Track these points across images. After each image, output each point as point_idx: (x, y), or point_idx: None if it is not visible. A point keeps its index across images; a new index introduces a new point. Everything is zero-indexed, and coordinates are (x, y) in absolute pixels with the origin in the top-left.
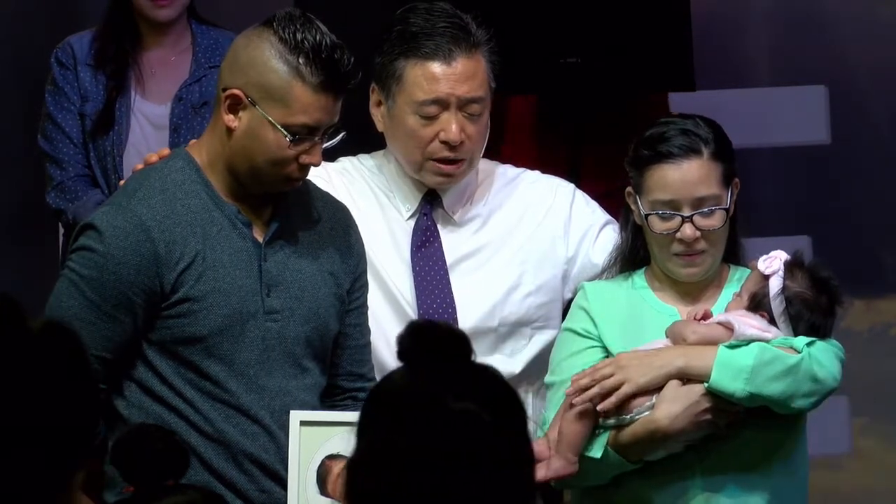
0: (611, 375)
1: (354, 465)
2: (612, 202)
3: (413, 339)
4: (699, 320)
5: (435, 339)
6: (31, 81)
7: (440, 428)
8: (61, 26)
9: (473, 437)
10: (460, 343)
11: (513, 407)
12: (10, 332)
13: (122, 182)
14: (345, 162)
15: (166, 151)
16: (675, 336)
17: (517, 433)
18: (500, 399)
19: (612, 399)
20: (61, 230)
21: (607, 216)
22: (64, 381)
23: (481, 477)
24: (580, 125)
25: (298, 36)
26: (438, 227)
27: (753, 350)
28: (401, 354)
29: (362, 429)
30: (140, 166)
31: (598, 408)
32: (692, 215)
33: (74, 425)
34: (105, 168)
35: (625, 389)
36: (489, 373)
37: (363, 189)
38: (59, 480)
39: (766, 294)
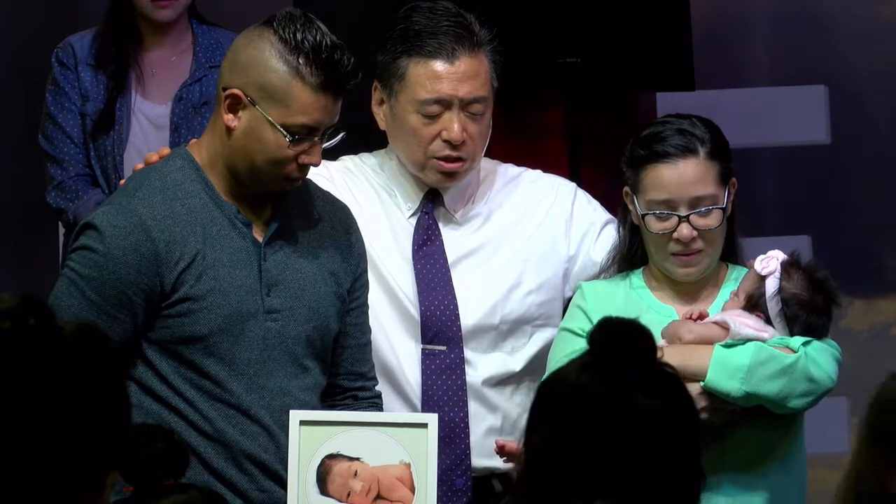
0: None
1: (533, 459)
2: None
3: (605, 336)
4: (695, 320)
5: (625, 336)
6: (32, 81)
7: (631, 424)
8: (61, 26)
9: (659, 432)
10: (646, 340)
11: (690, 405)
12: (43, 334)
13: (122, 181)
14: (346, 160)
15: (166, 151)
16: (671, 336)
17: (694, 431)
18: (681, 397)
19: None
20: (62, 230)
21: (608, 215)
22: (97, 382)
23: (666, 474)
24: (580, 125)
25: (299, 36)
26: (440, 225)
27: (749, 349)
28: (593, 350)
29: (539, 424)
30: (140, 166)
31: None
32: (689, 215)
33: (107, 426)
34: (105, 168)
35: None
36: (669, 372)
37: (365, 187)
38: (92, 481)
39: (763, 294)
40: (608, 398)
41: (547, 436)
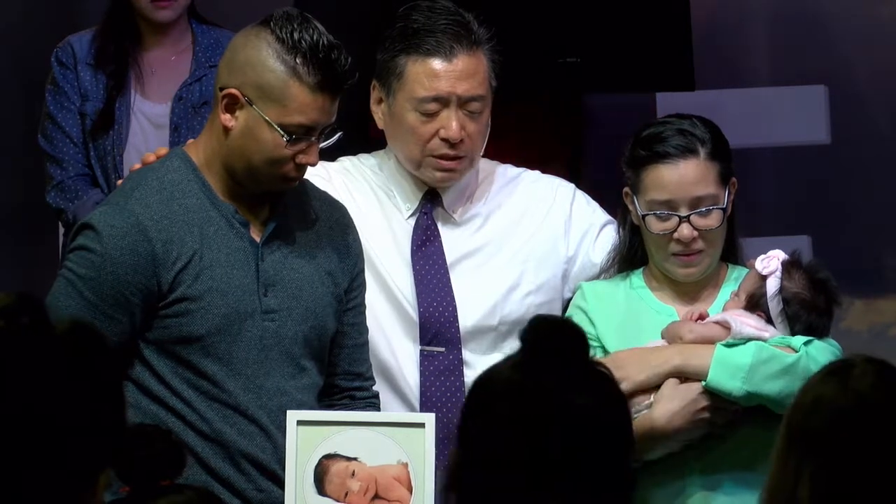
0: None
1: (463, 458)
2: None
3: (536, 335)
4: (695, 321)
5: (557, 335)
6: (32, 81)
7: (563, 423)
8: (61, 26)
9: (590, 432)
10: (580, 340)
11: (623, 407)
12: (37, 333)
13: (119, 182)
14: (345, 161)
15: (164, 151)
16: (672, 336)
17: (626, 428)
18: (613, 398)
19: None
20: (61, 230)
21: (608, 216)
22: (90, 380)
23: (598, 472)
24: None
25: (296, 35)
26: (439, 226)
27: (751, 349)
28: (525, 349)
29: (470, 422)
30: (137, 166)
31: None
32: (689, 215)
33: (100, 425)
34: (105, 167)
35: (622, 388)
36: (602, 371)
37: (363, 188)
38: (85, 480)
39: (764, 294)
40: (539, 396)
41: (480, 432)
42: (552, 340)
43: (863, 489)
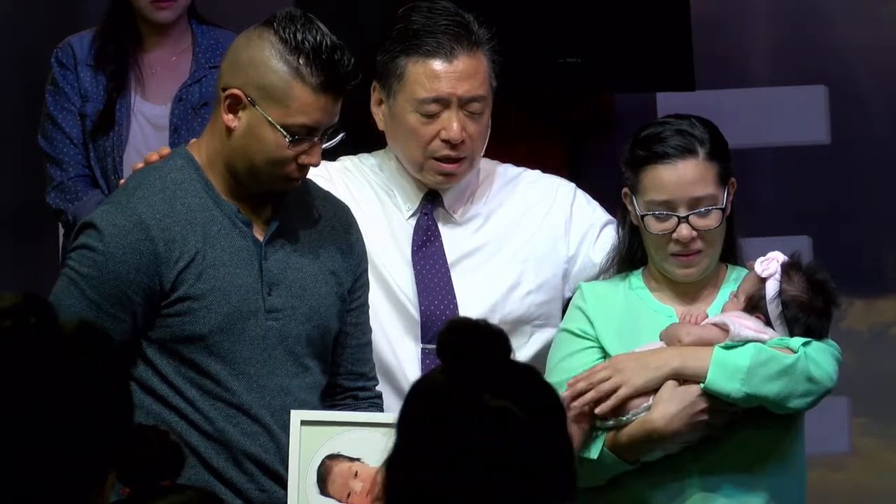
0: (607, 378)
1: (393, 462)
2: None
3: (452, 337)
4: (693, 322)
5: (474, 336)
6: (31, 81)
7: (477, 425)
8: (61, 26)
9: (509, 434)
10: (499, 341)
11: (550, 405)
12: (44, 332)
13: (121, 182)
14: (345, 161)
15: (166, 150)
16: (670, 338)
17: (554, 431)
18: (537, 397)
19: (610, 402)
20: (61, 230)
21: (608, 216)
22: (98, 380)
23: (518, 475)
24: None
25: (299, 36)
26: (439, 226)
27: (749, 350)
28: (440, 352)
29: (401, 425)
30: (140, 165)
31: (596, 411)
32: (688, 215)
33: (108, 425)
34: (105, 168)
35: (622, 392)
36: (528, 371)
37: (364, 188)
38: (92, 480)
39: (763, 296)
40: (456, 399)
41: (409, 438)
42: (467, 342)
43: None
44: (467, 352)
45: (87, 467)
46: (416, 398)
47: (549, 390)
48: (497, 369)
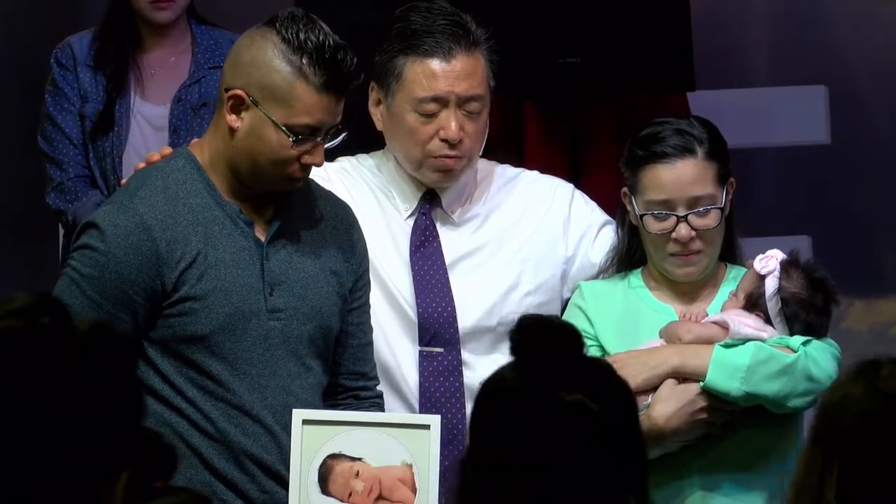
0: None
1: (471, 462)
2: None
3: (523, 334)
4: (693, 321)
5: (545, 333)
6: (31, 82)
7: (553, 421)
8: (61, 26)
9: (586, 429)
10: (570, 336)
11: (623, 398)
12: (57, 332)
13: (122, 182)
14: (344, 162)
15: (168, 150)
16: (670, 336)
17: (627, 424)
18: (610, 390)
19: None
20: (61, 231)
21: (606, 216)
22: (112, 380)
23: (595, 468)
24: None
25: (301, 36)
26: (437, 226)
27: (749, 349)
28: (513, 350)
29: (476, 426)
30: (142, 165)
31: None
32: (687, 215)
33: (121, 424)
34: (104, 169)
35: None
36: (600, 365)
37: (362, 189)
38: (106, 479)
39: (762, 294)
40: (530, 396)
41: (485, 437)
42: (540, 339)
43: (890, 491)
44: (539, 348)
45: (100, 466)
46: (488, 398)
47: (621, 383)
48: (569, 364)
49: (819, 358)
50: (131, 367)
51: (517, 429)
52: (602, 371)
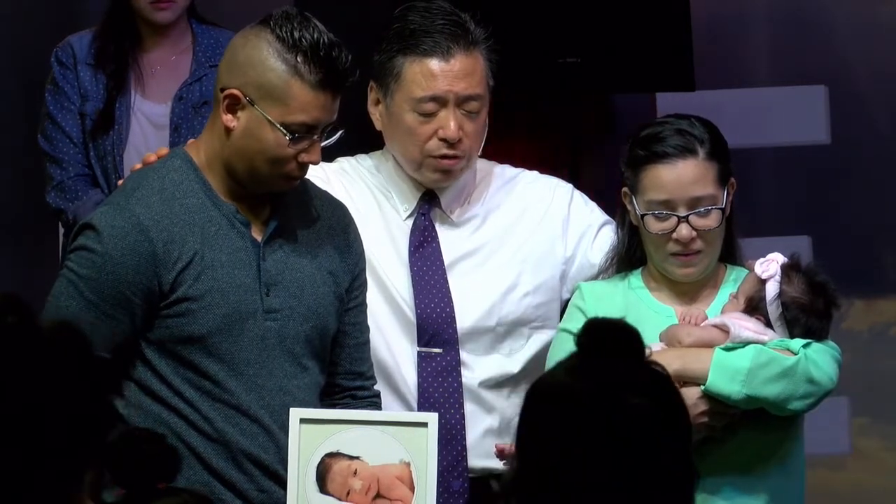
0: None
1: (524, 462)
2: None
3: (593, 337)
4: (693, 324)
5: (611, 336)
6: (32, 81)
7: (620, 423)
8: (61, 26)
9: (649, 431)
10: (636, 341)
11: (681, 407)
12: (22, 332)
13: (120, 182)
14: (342, 162)
15: (165, 151)
16: (671, 339)
17: (683, 433)
18: (671, 395)
19: None
20: (61, 230)
21: (606, 216)
22: (75, 380)
23: (655, 472)
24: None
25: (296, 34)
26: (436, 226)
27: (750, 352)
28: (581, 351)
29: (530, 428)
30: (138, 166)
31: None
32: (688, 215)
33: (84, 426)
34: (105, 168)
35: None
36: (659, 371)
37: (361, 189)
38: (70, 481)
39: (763, 298)
40: (597, 400)
41: (540, 441)
42: (608, 342)
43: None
44: (607, 352)
45: (64, 466)
46: (546, 402)
47: (676, 389)
48: (633, 368)
49: (820, 360)
50: (95, 366)
51: (579, 430)
52: (661, 378)
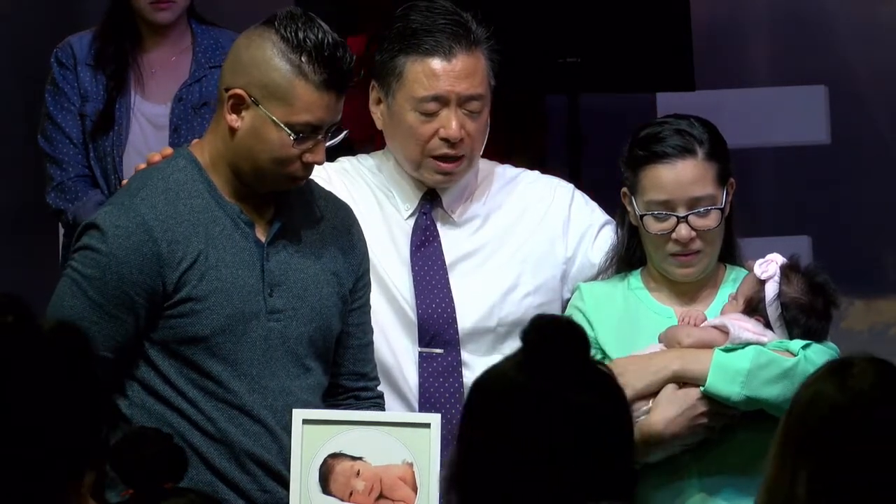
0: None
1: (463, 457)
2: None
3: (538, 334)
4: (692, 325)
5: (558, 335)
6: (31, 81)
7: (562, 420)
8: (61, 26)
9: (592, 429)
10: (582, 340)
11: (624, 406)
12: (21, 333)
13: (124, 182)
14: (344, 162)
15: (169, 151)
16: (670, 340)
17: (625, 431)
18: (614, 394)
19: None
20: (61, 230)
21: (606, 216)
22: (73, 381)
23: (595, 469)
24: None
25: (300, 34)
26: (438, 226)
27: (749, 353)
28: (526, 348)
29: (472, 421)
30: (143, 166)
31: None
32: (687, 215)
33: (83, 426)
34: (105, 168)
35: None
36: (604, 371)
37: (362, 189)
38: (67, 481)
39: (762, 299)
40: (541, 395)
41: (481, 432)
42: (553, 339)
43: (860, 488)
44: (553, 350)
45: (62, 466)
46: (490, 395)
47: (621, 390)
48: (578, 366)
49: (819, 361)
50: (94, 366)
51: (521, 426)
52: (606, 376)
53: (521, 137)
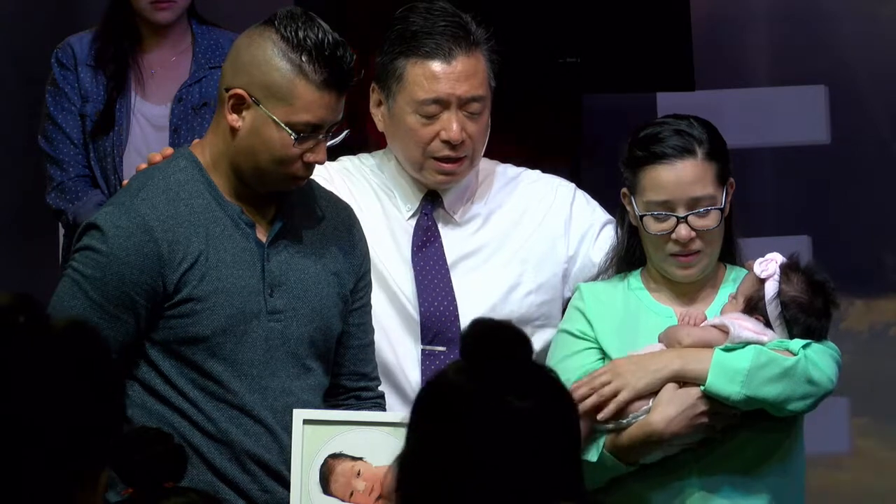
0: (608, 382)
1: (408, 460)
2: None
3: (476, 338)
4: (692, 325)
5: (498, 338)
6: (32, 82)
7: (503, 425)
8: (61, 26)
9: (535, 434)
10: (522, 343)
11: (568, 408)
12: (34, 331)
13: (124, 182)
14: (345, 161)
15: (169, 151)
16: (670, 340)
17: (571, 432)
18: (557, 399)
19: (611, 407)
20: (61, 231)
21: (608, 216)
22: (87, 379)
23: (537, 474)
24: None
25: (301, 34)
26: (439, 226)
27: (749, 353)
28: (464, 352)
29: (417, 425)
30: (143, 166)
31: (598, 417)
32: (687, 216)
33: (97, 424)
34: (105, 169)
35: (623, 396)
36: (547, 373)
37: (364, 188)
38: (84, 480)
39: (762, 298)
40: (480, 400)
41: (426, 439)
42: (492, 344)
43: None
44: (491, 354)
45: (77, 467)
46: (433, 398)
47: (566, 392)
48: (520, 371)
49: (819, 361)
50: (109, 366)
51: (462, 431)
52: (549, 379)
53: (552, 140)
